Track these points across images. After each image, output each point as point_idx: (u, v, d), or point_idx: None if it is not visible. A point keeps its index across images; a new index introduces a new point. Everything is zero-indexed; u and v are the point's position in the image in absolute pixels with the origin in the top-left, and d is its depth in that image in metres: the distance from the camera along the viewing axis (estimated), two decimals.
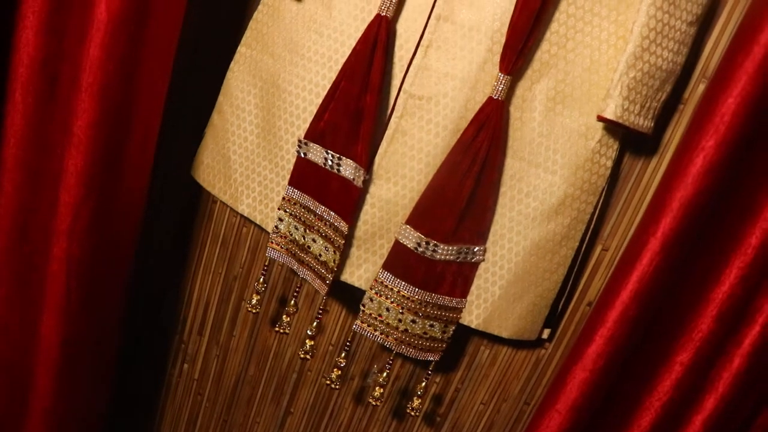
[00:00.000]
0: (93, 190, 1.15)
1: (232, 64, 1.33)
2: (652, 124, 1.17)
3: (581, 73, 1.16)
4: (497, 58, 1.12)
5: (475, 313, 1.25)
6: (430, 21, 1.15)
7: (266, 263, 1.34)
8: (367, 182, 1.20)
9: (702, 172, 0.88)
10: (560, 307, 1.34)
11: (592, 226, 1.26)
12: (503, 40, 1.11)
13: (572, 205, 1.21)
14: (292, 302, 1.37)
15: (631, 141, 1.24)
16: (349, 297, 1.27)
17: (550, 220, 1.21)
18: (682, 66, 1.16)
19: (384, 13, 1.14)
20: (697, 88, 1.22)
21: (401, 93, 1.17)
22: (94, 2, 1.04)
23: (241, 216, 1.49)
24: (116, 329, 1.38)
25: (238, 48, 1.33)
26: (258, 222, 1.33)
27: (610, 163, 1.21)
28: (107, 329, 1.35)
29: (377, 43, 1.15)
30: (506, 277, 1.24)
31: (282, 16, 1.27)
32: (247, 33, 1.32)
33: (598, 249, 1.34)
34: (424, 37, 1.15)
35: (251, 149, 1.32)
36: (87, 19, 1.06)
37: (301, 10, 1.24)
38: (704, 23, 1.18)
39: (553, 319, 1.33)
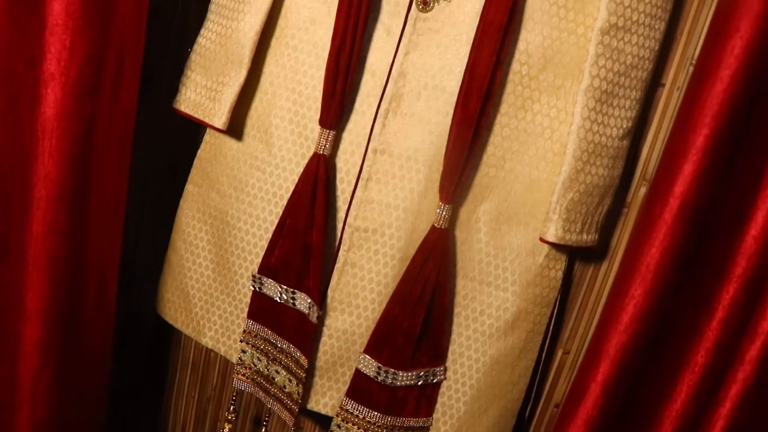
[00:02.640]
0: (52, 357, 1.15)
1: (181, 202, 1.34)
2: (596, 236, 1.18)
3: (522, 192, 1.16)
4: (438, 186, 1.12)
5: (442, 430, 1.26)
6: (367, 155, 1.15)
7: (235, 393, 1.34)
8: (322, 315, 1.20)
9: (634, 319, 0.90)
10: (527, 412, 1.34)
11: (549, 335, 1.27)
12: (441, 167, 1.12)
13: (527, 319, 1.22)
14: (263, 430, 1.37)
15: (579, 251, 1.25)
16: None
17: (507, 335, 1.22)
18: (619, 177, 1.17)
19: (321, 151, 1.15)
20: (639, 191, 1.23)
21: (346, 227, 1.18)
22: (33, 184, 1.05)
23: None
24: None
25: (186, 185, 1.33)
26: (222, 353, 1.33)
27: (560, 275, 1.22)
28: None
29: (318, 181, 1.15)
30: (469, 393, 1.24)
31: (224, 153, 1.27)
32: (193, 171, 1.33)
33: (560, 353, 1.35)
34: (363, 170, 1.16)
35: (208, 283, 1.32)
36: (28, 197, 1.07)
37: (242, 148, 1.25)
38: (638, 130, 1.19)
39: (522, 424, 1.34)
